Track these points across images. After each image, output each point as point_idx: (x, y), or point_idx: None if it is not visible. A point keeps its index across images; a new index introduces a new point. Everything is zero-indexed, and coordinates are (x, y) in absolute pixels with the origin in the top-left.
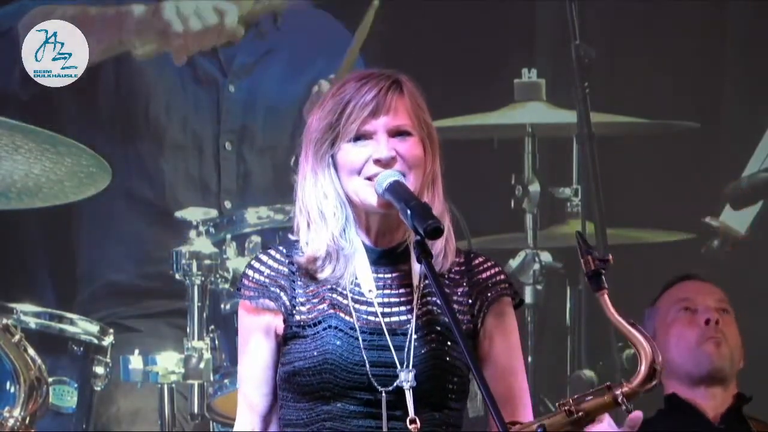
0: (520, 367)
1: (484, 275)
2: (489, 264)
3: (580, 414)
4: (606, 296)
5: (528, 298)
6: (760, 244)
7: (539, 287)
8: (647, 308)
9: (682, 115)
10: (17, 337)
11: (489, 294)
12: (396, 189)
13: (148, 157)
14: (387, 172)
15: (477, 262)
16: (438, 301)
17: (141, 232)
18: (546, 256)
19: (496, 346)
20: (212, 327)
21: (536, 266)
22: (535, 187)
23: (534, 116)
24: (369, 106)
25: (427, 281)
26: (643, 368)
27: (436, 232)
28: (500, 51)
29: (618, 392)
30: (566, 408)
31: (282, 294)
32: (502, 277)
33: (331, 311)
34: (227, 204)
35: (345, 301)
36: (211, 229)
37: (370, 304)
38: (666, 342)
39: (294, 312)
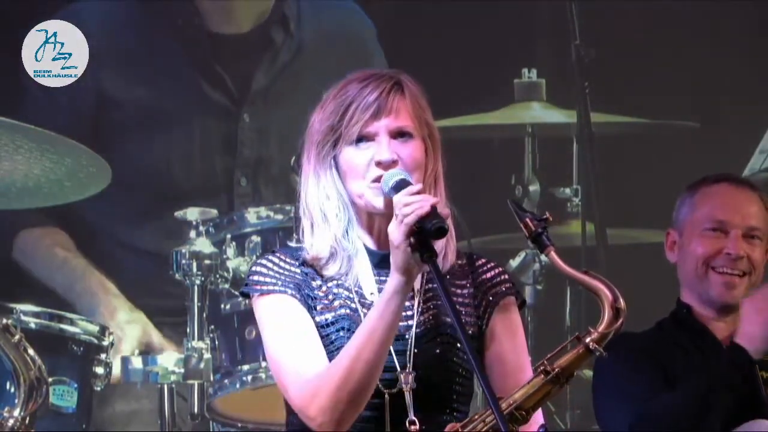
0: (527, 365)
1: (488, 275)
2: (491, 264)
3: (557, 371)
4: (553, 253)
5: (528, 298)
6: None
7: (539, 287)
8: (683, 194)
9: (682, 115)
10: (17, 337)
11: (494, 293)
12: (402, 188)
13: (157, 211)
14: (393, 171)
15: (480, 263)
16: (441, 302)
17: (151, 289)
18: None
19: (503, 345)
20: (212, 327)
21: (536, 266)
22: (535, 187)
23: (534, 116)
24: (371, 108)
25: (428, 285)
26: (606, 311)
27: (440, 232)
28: (500, 51)
29: (588, 340)
30: (542, 369)
31: (299, 291)
32: (506, 276)
33: (342, 312)
34: None
35: (353, 305)
36: (211, 229)
37: (372, 307)
38: (688, 248)
39: (311, 312)
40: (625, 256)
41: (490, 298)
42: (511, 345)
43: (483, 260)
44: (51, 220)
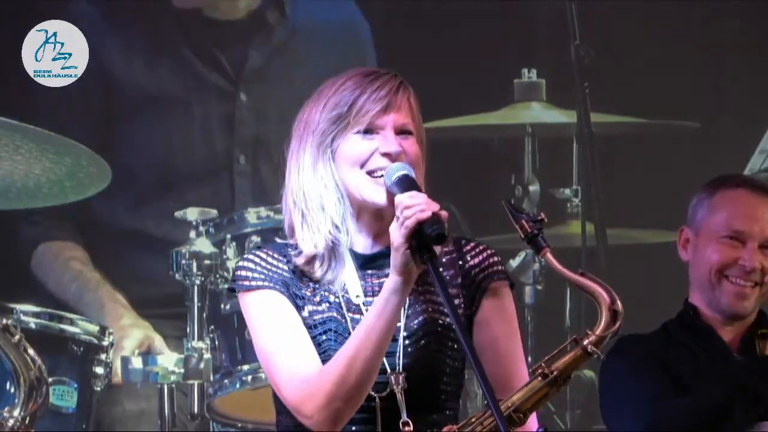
0: (519, 353)
1: (475, 260)
2: (480, 248)
3: (555, 373)
4: (549, 254)
5: (528, 298)
6: None
7: (539, 287)
8: (700, 193)
9: (682, 115)
10: (17, 337)
11: (482, 278)
12: (405, 183)
13: (158, 194)
14: (398, 164)
15: (468, 248)
16: (432, 301)
17: (152, 270)
18: None
19: (494, 331)
20: (212, 327)
21: (536, 266)
22: (535, 187)
23: (534, 116)
24: (382, 102)
25: (416, 285)
26: (604, 314)
27: (440, 239)
28: (500, 51)
29: (586, 343)
30: (540, 372)
31: (287, 289)
32: (494, 259)
33: (329, 315)
34: None
35: (340, 308)
36: (211, 229)
37: (359, 310)
38: (703, 253)
39: (298, 312)
40: (625, 256)
41: (480, 284)
42: (502, 332)
43: (471, 245)
44: (71, 235)
